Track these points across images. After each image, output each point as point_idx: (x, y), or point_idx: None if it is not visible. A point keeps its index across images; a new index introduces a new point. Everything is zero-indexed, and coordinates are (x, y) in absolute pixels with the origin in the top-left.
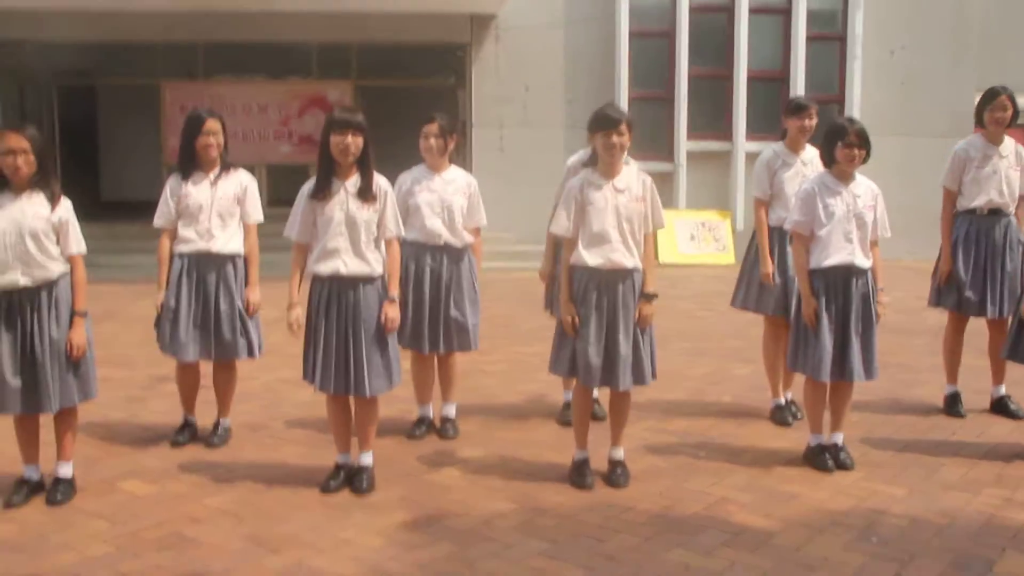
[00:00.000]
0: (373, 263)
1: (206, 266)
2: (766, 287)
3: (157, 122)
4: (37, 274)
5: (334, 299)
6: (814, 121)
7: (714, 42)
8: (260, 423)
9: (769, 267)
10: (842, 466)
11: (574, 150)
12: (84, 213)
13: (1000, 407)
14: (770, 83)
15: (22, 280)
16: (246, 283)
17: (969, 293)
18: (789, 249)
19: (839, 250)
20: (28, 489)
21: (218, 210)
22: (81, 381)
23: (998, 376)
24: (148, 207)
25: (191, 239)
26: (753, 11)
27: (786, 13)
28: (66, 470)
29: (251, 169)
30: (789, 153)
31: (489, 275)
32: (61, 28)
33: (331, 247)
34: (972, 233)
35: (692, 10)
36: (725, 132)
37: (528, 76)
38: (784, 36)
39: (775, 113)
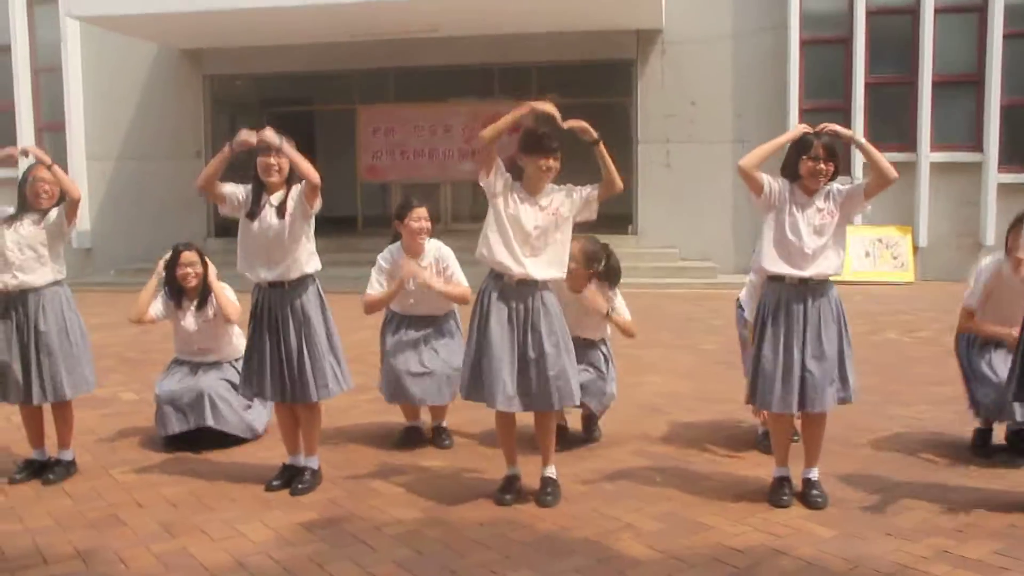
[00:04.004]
0: None
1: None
2: None
3: (354, 142)
4: None
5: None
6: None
7: (896, 46)
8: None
9: None
10: None
11: None
12: None
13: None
14: (961, 87)
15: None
16: None
17: None
18: None
19: None
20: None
21: None
22: None
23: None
24: (346, 222)
25: None
26: (940, 10)
27: (981, 11)
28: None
29: (435, 186)
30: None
31: (649, 291)
32: (268, 62)
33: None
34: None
35: (870, 13)
36: (908, 142)
37: (695, 91)
38: (980, 35)
39: (969, 119)
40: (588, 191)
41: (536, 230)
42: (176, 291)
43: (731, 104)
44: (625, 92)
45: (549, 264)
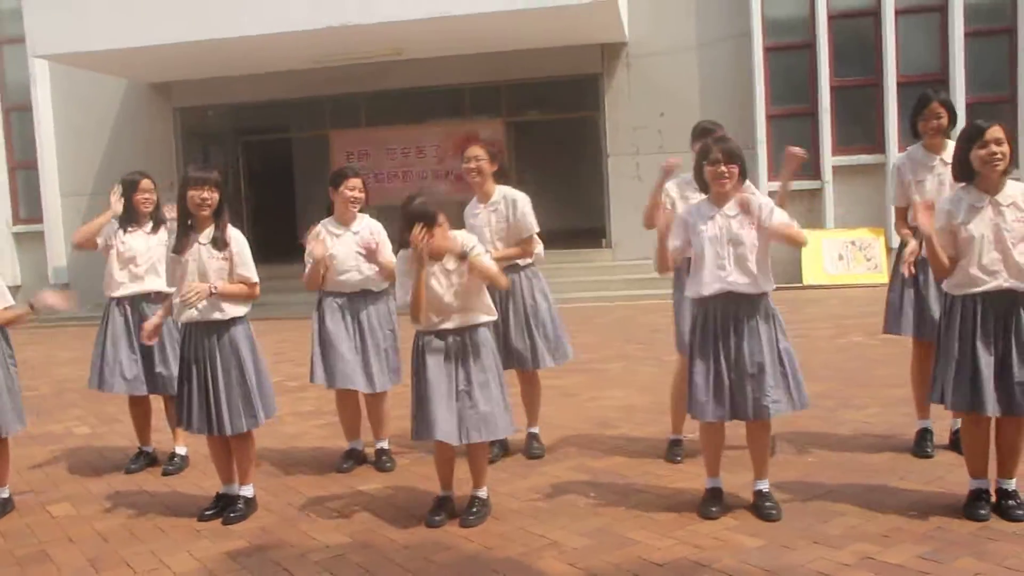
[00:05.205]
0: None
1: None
2: None
3: (328, 169)
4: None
5: (189, 344)
6: None
7: (859, 49)
8: None
9: None
10: (1010, 518)
11: None
12: (283, 255)
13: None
14: (926, 87)
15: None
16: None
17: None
18: None
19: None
20: None
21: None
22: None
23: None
24: None
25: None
26: (901, 12)
27: (941, 10)
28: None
29: None
30: None
31: (624, 303)
32: (238, 92)
33: None
34: None
35: (832, 17)
36: (876, 144)
37: (662, 102)
38: (941, 35)
39: None
40: (479, 267)
41: (454, 297)
42: (128, 218)
43: (699, 113)
44: (593, 106)
45: (476, 312)
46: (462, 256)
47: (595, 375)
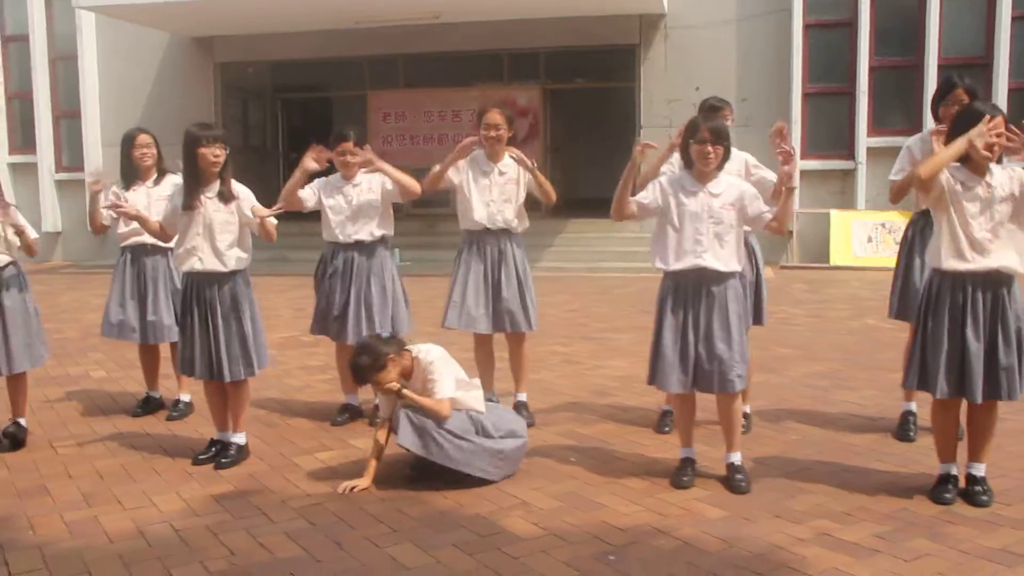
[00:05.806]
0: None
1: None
2: None
3: (365, 128)
4: None
5: (191, 292)
6: None
7: (901, 29)
8: None
9: None
10: (975, 503)
11: (746, 150)
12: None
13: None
14: (968, 70)
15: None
16: None
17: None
18: None
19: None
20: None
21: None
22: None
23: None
24: None
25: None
26: None
27: None
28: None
29: None
30: None
31: (651, 274)
32: (279, 49)
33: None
34: None
35: None
36: (914, 126)
37: (698, 75)
38: (987, 17)
39: None
40: (411, 403)
41: None
42: (131, 175)
43: (735, 89)
44: (628, 77)
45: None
46: (399, 395)
47: (602, 344)
